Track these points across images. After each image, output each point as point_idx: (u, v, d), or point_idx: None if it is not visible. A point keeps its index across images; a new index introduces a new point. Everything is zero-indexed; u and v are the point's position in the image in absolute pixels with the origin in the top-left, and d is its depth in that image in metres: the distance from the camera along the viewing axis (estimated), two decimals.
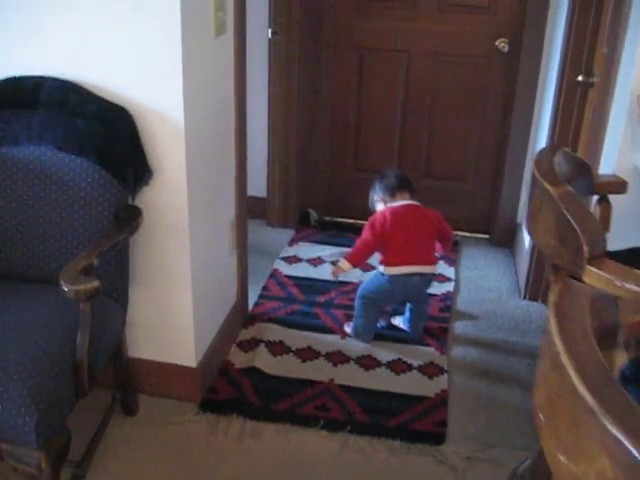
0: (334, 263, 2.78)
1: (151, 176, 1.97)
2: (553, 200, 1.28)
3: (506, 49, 3.24)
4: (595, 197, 1.71)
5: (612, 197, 1.69)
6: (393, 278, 2.55)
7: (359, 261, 2.64)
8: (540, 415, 0.84)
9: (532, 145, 3.28)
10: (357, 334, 2.65)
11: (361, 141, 3.60)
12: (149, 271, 2.13)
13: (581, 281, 1.27)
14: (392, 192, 2.65)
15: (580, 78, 2.54)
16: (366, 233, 2.60)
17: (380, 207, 2.68)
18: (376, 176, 2.76)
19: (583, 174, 1.55)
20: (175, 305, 2.18)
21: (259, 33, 3.21)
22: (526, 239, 3.22)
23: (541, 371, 0.87)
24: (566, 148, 1.52)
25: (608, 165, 1.81)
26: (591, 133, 2.42)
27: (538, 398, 0.85)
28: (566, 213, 1.23)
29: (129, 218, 1.87)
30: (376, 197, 2.71)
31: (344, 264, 2.61)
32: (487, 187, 3.57)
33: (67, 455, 1.64)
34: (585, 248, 1.20)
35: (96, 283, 1.53)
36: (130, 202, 1.94)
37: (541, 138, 3.09)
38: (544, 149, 1.49)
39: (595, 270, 1.20)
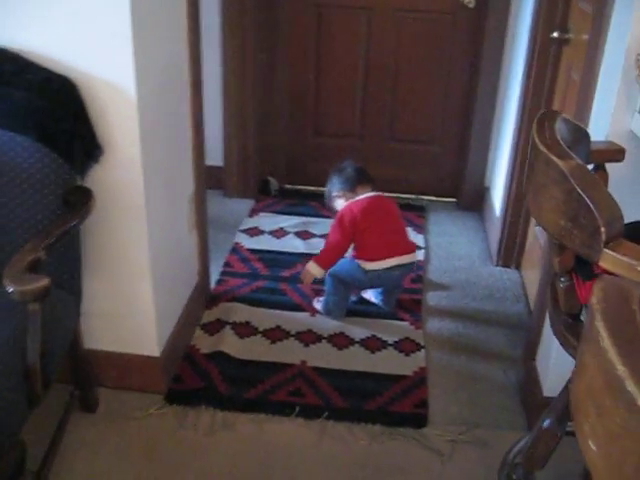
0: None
1: (101, 153, 1.77)
2: (563, 176, 1.15)
3: (472, 4, 3.08)
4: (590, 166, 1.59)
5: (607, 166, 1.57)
6: (372, 272, 2.43)
7: (330, 263, 2.47)
8: (590, 443, 0.71)
9: (500, 105, 3.16)
10: (328, 311, 2.52)
11: (321, 104, 3.41)
12: (104, 256, 1.94)
13: (594, 264, 1.15)
14: (353, 186, 2.51)
15: (555, 34, 2.41)
16: (335, 233, 2.44)
17: (340, 203, 2.52)
18: (332, 170, 2.60)
19: (582, 141, 1.42)
20: (134, 292, 2.00)
21: None
22: (495, 203, 3.12)
23: (588, 389, 0.74)
24: (564, 115, 1.39)
25: (599, 130, 1.69)
26: (570, 95, 2.30)
27: (589, 430, 0.72)
28: (580, 191, 1.10)
29: (79, 201, 1.67)
30: (335, 193, 2.54)
31: (314, 269, 2.45)
32: (454, 150, 3.44)
33: (24, 471, 1.47)
34: (602, 229, 1.07)
35: (46, 281, 1.35)
36: (79, 183, 1.74)
37: (510, 97, 2.97)
38: (543, 116, 1.35)
39: (613, 254, 1.08)
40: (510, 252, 2.90)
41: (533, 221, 2.76)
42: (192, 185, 2.33)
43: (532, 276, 2.74)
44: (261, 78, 3.26)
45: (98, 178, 1.80)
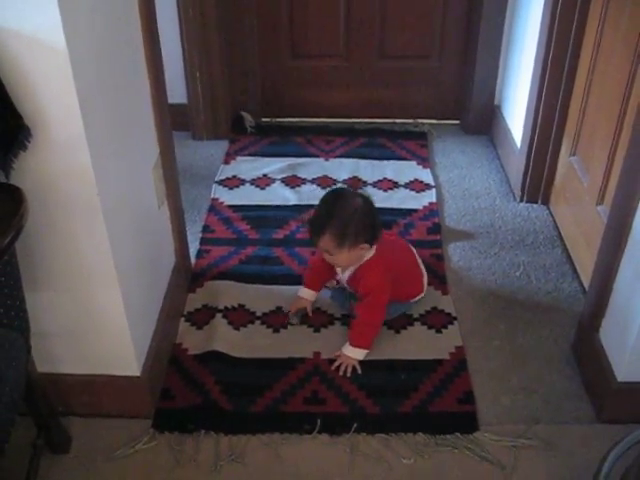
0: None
1: (28, 135, 1.26)
2: None
3: None
4: None
5: None
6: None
7: (373, 339, 1.88)
8: None
9: (513, 5, 2.65)
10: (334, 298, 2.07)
11: (298, 20, 2.86)
12: (55, 266, 1.47)
13: None
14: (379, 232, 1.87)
15: None
16: (374, 308, 1.87)
17: (368, 254, 1.86)
18: (350, 205, 1.79)
19: None
20: (99, 300, 1.54)
21: None
22: (511, 126, 2.67)
23: None
24: None
25: None
26: None
27: None
28: None
29: (6, 209, 1.20)
30: (363, 244, 1.81)
31: (356, 353, 1.84)
32: (455, 64, 2.94)
33: None
34: None
35: None
36: (3, 181, 1.26)
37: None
38: None
39: None
40: (536, 186, 2.47)
41: (565, 150, 2.32)
42: (156, 146, 1.84)
43: (565, 213, 2.33)
44: None
45: (30, 170, 1.31)
